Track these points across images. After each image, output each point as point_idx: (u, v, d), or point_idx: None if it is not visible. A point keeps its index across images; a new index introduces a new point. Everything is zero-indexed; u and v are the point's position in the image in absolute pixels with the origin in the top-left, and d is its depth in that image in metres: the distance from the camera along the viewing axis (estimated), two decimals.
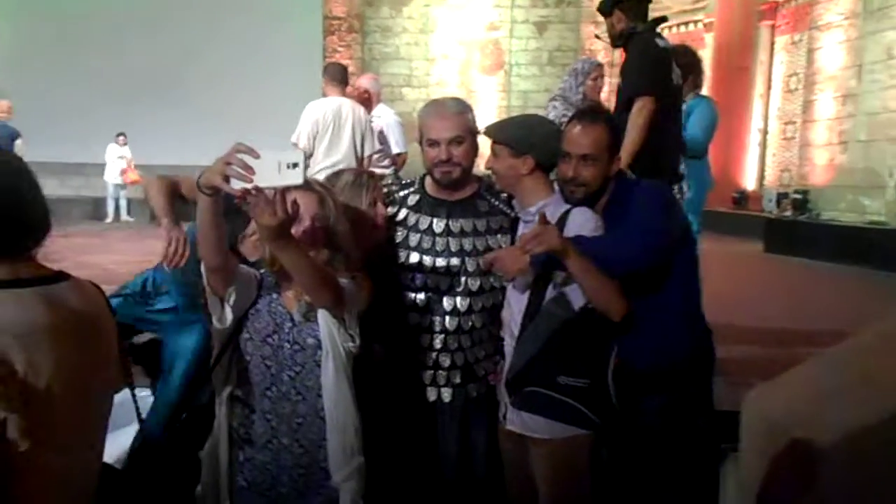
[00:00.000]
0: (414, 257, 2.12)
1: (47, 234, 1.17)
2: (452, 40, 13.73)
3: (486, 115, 11.25)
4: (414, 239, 2.13)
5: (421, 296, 2.12)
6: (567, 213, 1.88)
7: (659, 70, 3.07)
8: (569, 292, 1.80)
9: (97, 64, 12.54)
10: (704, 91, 4.05)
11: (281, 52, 12.69)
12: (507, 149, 1.93)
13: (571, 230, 1.83)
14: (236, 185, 1.35)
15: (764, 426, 1.00)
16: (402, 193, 2.19)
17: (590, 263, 1.72)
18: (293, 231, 1.60)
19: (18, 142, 8.42)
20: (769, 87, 11.64)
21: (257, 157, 1.34)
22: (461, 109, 2.09)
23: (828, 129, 8.75)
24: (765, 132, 11.73)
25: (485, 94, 13.51)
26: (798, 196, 8.93)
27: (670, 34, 12.30)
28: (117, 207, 11.92)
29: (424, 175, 2.20)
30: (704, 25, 12.19)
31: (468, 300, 2.12)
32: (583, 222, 1.84)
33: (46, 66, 12.61)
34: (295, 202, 1.42)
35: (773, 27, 11.53)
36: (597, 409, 1.77)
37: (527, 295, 1.87)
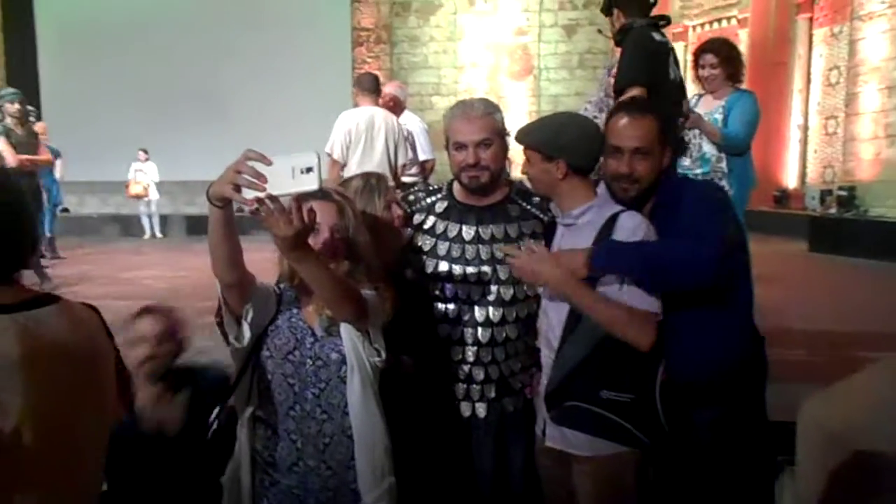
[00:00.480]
0: (443, 267, 2.04)
1: (34, 256, 1.10)
2: (480, 47, 13.66)
3: (517, 120, 11.09)
4: (443, 248, 2.04)
5: (451, 307, 2.03)
6: (614, 217, 1.75)
7: (652, 62, 3.01)
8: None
9: (137, 83, 12.81)
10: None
11: (310, 65, 12.78)
12: (537, 154, 1.83)
13: (620, 238, 1.71)
14: (248, 194, 1.27)
15: (821, 437, 0.96)
16: (429, 200, 2.11)
17: (595, 300, 1.67)
18: (311, 242, 1.53)
19: (58, 161, 8.63)
20: (808, 82, 11.27)
21: (269, 163, 1.27)
22: (489, 110, 2.00)
23: (873, 122, 8.42)
24: (805, 128, 11.36)
25: (514, 99, 13.39)
26: (843, 192, 8.61)
27: (703, 32, 12.06)
28: (151, 224, 12.08)
29: (452, 181, 2.12)
30: (738, 21, 11.89)
31: (501, 310, 2.02)
32: (633, 228, 1.71)
33: (88, 87, 12.93)
34: (311, 210, 1.35)
35: (810, 20, 11.18)
36: (643, 427, 1.65)
37: (566, 304, 1.76)
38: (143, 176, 11.79)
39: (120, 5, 13.27)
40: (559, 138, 1.79)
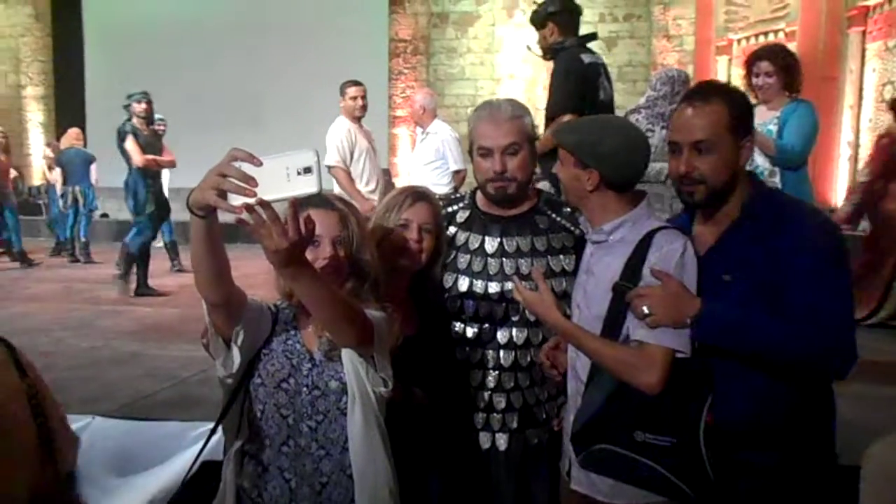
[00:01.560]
0: (463, 282, 1.85)
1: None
2: (518, 59, 13.52)
3: None
4: (463, 261, 1.86)
5: (471, 327, 1.85)
6: (650, 235, 1.51)
7: (582, 86, 3.15)
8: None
9: (178, 87, 12.99)
10: None
11: (346, 75, 12.69)
12: (571, 157, 1.62)
13: (652, 259, 1.48)
14: (235, 200, 1.09)
15: (890, 486, 0.92)
16: (450, 209, 1.93)
17: (598, 346, 1.49)
18: (310, 256, 1.36)
19: (93, 166, 8.73)
20: (860, 98, 10.80)
21: (259, 164, 1.09)
22: (517, 113, 1.82)
23: None
24: (856, 146, 10.87)
25: None
26: None
27: (748, 46, 11.70)
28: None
29: (476, 189, 1.94)
30: (786, 35, 11.48)
31: (525, 331, 1.83)
32: (667, 252, 1.47)
33: (126, 93, 13.15)
34: (309, 219, 1.17)
35: (863, 33, 10.72)
36: (685, 476, 1.42)
37: (598, 328, 1.55)
38: None
39: (165, 10, 13.54)
40: (598, 145, 1.57)
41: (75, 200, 8.55)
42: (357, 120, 4.89)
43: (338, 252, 1.44)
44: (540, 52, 3.46)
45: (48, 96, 14.69)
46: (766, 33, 11.86)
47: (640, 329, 1.45)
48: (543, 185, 3.24)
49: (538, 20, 3.38)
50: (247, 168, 1.09)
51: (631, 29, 13.14)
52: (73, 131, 8.92)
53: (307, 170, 1.09)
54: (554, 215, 1.87)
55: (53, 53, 14.61)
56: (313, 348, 1.44)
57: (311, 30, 13.15)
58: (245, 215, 1.10)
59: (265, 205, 1.10)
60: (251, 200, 1.09)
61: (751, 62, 3.22)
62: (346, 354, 1.39)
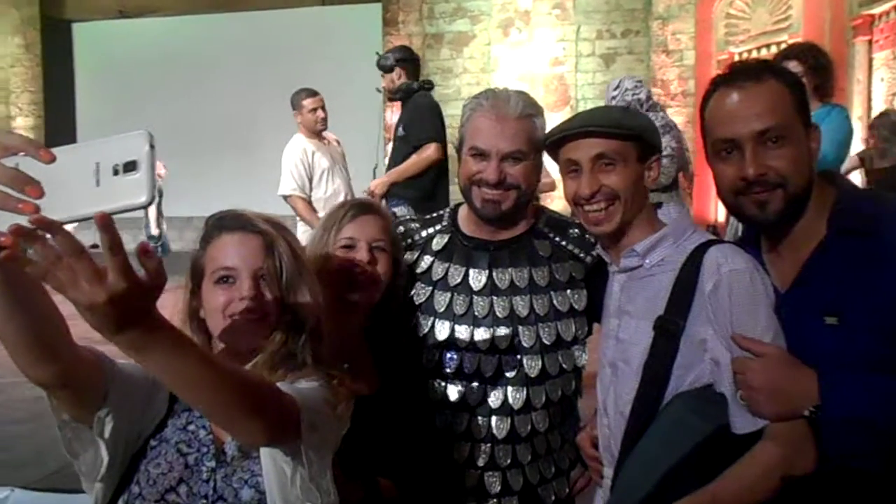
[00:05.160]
0: (442, 329, 1.43)
1: None
2: (514, 78, 13.32)
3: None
4: (442, 300, 1.44)
5: (455, 388, 1.43)
6: (699, 252, 1.11)
7: (440, 120, 3.69)
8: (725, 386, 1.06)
9: (163, 120, 12.87)
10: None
11: (340, 98, 12.60)
12: (634, 149, 1.23)
13: (708, 287, 1.08)
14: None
15: None
16: (424, 234, 1.51)
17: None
18: (222, 300, 0.97)
19: None
20: (869, 108, 10.52)
21: (51, 159, 0.66)
22: (528, 111, 1.39)
23: None
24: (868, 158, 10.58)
25: None
26: None
27: (750, 58, 11.44)
28: None
29: (456, 206, 1.53)
30: (789, 46, 11.24)
31: (524, 391, 1.41)
32: (729, 277, 1.08)
33: (125, 121, 13.00)
34: (146, 250, 0.71)
35: (869, 42, 10.48)
36: None
37: (634, 388, 1.13)
38: None
39: (156, 40, 13.52)
40: (648, 126, 1.24)
41: None
42: (318, 135, 4.37)
43: (261, 291, 1.02)
44: (387, 94, 3.98)
45: (38, 127, 14.55)
46: (768, 45, 11.58)
47: (741, 417, 1.05)
48: (400, 210, 3.39)
49: (387, 65, 3.83)
50: (29, 167, 0.66)
51: (629, 45, 12.97)
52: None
53: (130, 166, 0.67)
54: (558, 238, 1.45)
55: (44, 84, 14.52)
56: (225, 438, 1.01)
57: (305, 53, 13.01)
58: (28, 246, 0.65)
59: (54, 228, 0.65)
60: (29, 220, 0.64)
61: (777, 63, 2.86)
62: (267, 450, 0.96)
